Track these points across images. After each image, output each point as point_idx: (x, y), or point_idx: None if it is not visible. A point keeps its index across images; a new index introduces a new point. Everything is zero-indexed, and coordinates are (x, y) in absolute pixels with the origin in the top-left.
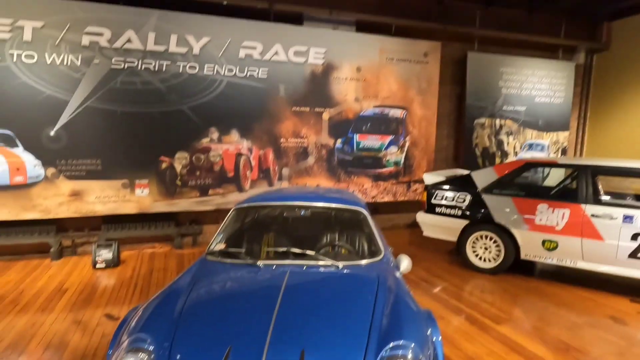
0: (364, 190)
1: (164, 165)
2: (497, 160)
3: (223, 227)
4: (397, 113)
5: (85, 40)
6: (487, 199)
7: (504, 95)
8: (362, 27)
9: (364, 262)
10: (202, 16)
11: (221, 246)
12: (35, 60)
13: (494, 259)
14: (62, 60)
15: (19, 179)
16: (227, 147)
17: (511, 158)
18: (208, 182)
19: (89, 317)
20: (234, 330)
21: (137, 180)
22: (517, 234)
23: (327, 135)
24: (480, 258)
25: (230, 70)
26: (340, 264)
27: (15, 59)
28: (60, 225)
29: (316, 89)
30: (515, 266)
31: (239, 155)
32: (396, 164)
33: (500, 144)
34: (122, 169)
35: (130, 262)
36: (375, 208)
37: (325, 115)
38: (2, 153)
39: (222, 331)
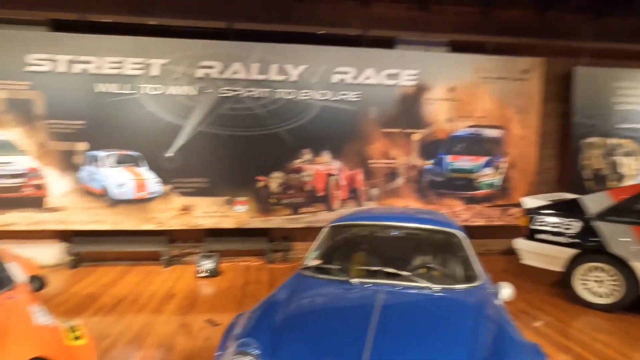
0: (455, 212)
1: (260, 184)
2: (611, 183)
3: (317, 243)
4: (492, 133)
5: (200, 72)
6: (601, 226)
7: (619, 111)
8: (456, 47)
9: (460, 286)
10: (300, 46)
11: (315, 262)
12: (159, 92)
13: (610, 295)
14: (181, 91)
15: (141, 194)
16: (319, 167)
17: (629, 181)
18: (299, 201)
19: (193, 321)
20: (331, 345)
21: (237, 197)
22: (638, 267)
23: (417, 156)
24: (592, 292)
25: (323, 94)
26: (436, 287)
27: (144, 92)
28: (170, 236)
29: (407, 110)
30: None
31: (329, 175)
32: (491, 186)
33: (614, 165)
34: (225, 187)
35: (228, 273)
36: (467, 232)
37: (416, 136)
38: (131, 171)
39: (319, 344)
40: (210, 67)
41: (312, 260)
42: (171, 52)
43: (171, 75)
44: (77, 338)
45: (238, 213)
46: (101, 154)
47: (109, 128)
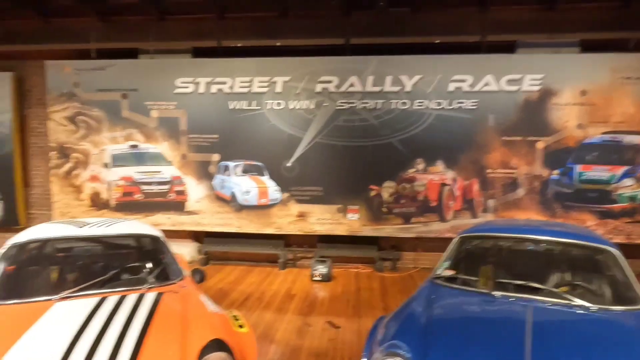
0: (586, 228)
1: (372, 193)
2: None
3: (448, 254)
4: (635, 140)
5: (319, 87)
6: None
7: None
8: (588, 47)
9: (620, 308)
10: (415, 56)
11: (448, 272)
12: (282, 107)
13: None
14: (301, 105)
15: (263, 201)
16: (432, 177)
17: None
18: (411, 211)
19: (315, 322)
20: (484, 355)
21: (349, 205)
22: None
23: (540, 166)
24: None
25: (438, 103)
26: (593, 307)
27: (269, 107)
28: (286, 241)
29: (530, 117)
30: None
31: (443, 185)
32: (632, 199)
33: None
34: (338, 195)
35: (340, 279)
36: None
37: (540, 145)
38: (255, 180)
39: (473, 355)
40: (328, 81)
41: (444, 270)
42: (293, 70)
43: (293, 91)
44: (240, 326)
45: (350, 221)
46: (231, 164)
47: (238, 141)
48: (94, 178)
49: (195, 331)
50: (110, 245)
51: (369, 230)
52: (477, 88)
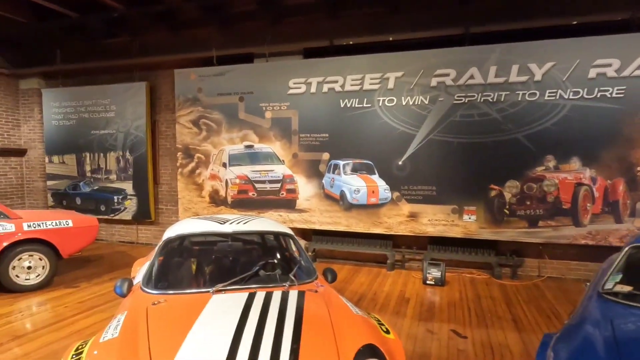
0: None
1: (493, 194)
2: None
3: (617, 266)
4: None
5: (434, 81)
6: None
7: None
8: None
9: None
10: (547, 41)
11: (624, 287)
12: (394, 103)
13: None
14: (414, 101)
15: (372, 200)
16: (565, 176)
17: None
18: (539, 213)
19: (438, 329)
20: None
21: (465, 206)
22: None
23: None
24: None
25: (575, 93)
26: None
27: (380, 104)
28: (394, 242)
29: None
30: None
31: (578, 185)
32: None
33: None
34: (453, 195)
35: (454, 284)
36: None
37: None
38: (364, 179)
39: None
40: (444, 75)
41: (615, 284)
42: (406, 65)
43: (406, 86)
44: (386, 332)
45: (466, 222)
46: (341, 162)
47: (348, 139)
48: (214, 177)
49: (347, 334)
50: (249, 242)
51: (487, 234)
52: (625, 73)
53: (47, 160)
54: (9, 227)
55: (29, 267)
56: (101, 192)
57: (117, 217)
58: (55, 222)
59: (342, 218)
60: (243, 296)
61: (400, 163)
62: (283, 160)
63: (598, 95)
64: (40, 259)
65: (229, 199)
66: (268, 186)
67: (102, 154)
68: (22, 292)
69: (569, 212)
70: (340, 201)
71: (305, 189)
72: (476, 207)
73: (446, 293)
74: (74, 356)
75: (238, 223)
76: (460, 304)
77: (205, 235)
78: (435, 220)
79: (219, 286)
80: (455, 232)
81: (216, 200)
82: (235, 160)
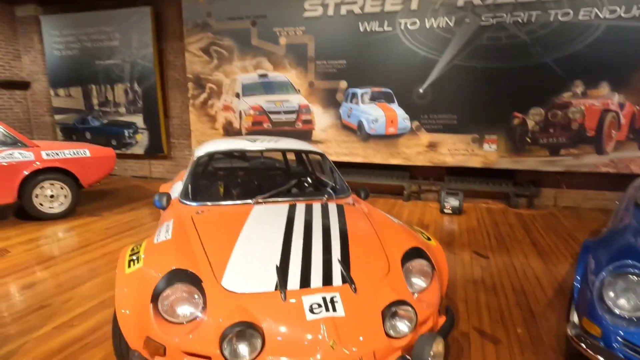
0: None
1: (516, 122)
2: None
3: None
4: None
5: (460, 1)
6: None
7: None
8: None
9: None
10: None
11: None
12: (417, 26)
13: None
14: (438, 23)
15: (391, 130)
16: (592, 102)
17: None
18: (561, 141)
19: (459, 251)
20: None
21: (486, 135)
22: None
23: None
24: None
25: (612, 11)
26: None
27: (402, 27)
28: (411, 173)
29: None
30: None
31: (605, 111)
32: None
33: None
34: (474, 124)
35: (471, 212)
36: None
37: None
38: (383, 108)
39: None
40: None
41: None
42: None
43: (430, 7)
44: (428, 239)
45: (486, 152)
46: (359, 91)
47: (367, 66)
48: (227, 108)
49: (392, 240)
50: (281, 159)
51: (507, 163)
52: None
53: (52, 93)
54: (27, 155)
55: (52, 196)
56: (111, 126)
57: (129, 152)
58: (73, 152)
59: (359, 149)
60: (284, 207)
61: (421, 91)
62: (299, 90)
63: (637, 14)
64: (62, 188)
65: (243, 131)
66: (283, 117)
67: (109, 86)
68: (48, 220)
69: (592, 139)
70: (357, 132)
71: (321, 119)
72: (497, 136)
73: (464, 220)
74: (131, 256)
75: (269, 141)
76: (479, 230)
77: (238, 153)
78: (454, 150)
79: (259, 198)
80: (475, 162)
81: (230, 132)
82: (248, 90)
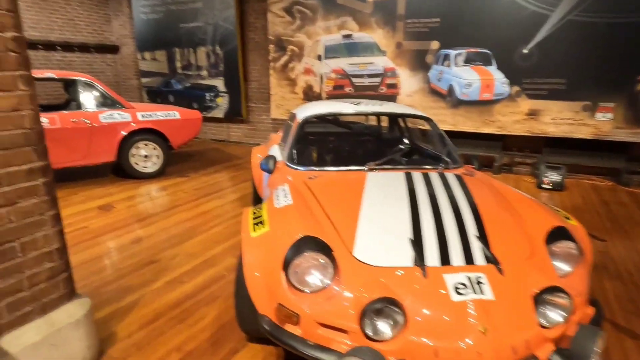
0: None
1: (639, 87)
2: None
3: None
4: None
5: None
6: None
7: None
8: None
9: None
10: None
11: None
12: None
13: None
14: None
15: (486, 95)
16: None
17: None
18: None
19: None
20: None
21: (600, 102)
22: None
23: None
24: None
25: None
26: None
27: None
28: (504, 143)
29: None
30: None
31: None
32: None
33: None
34: (587, 89)
35: (573, 189)
36: None
37: None
38: (478, 71)
39: None
40: None
41: None
42: None
43: None
44: (567, 218)
45: (598, 122)
46: (452, 52)
47: (463, 24)
48: (307, 71)
49: (530, 217)
50: (386, 124)
51: (623, 134)
52: None
53: (139, 57)
54: (125, 116)
55: (146, 156)
56: (193, 90)
57: (209, 115)
58: (165, 114)
59: (447, 116)
60: (399, 175)
61: (525, 51)
62: (385, 51)
63: None
64: (154, 149)
65: (324, 95)
66: (367, 81)
67: (192, 49)
68: (142, 179)
69: None
70: (447, 97)
71: (408, 83)
72: (615, 103)
73: (567, 197)
74: (255, 219)
75: (373, 105)
76: (587, 209)
77: (341, 116)
78: (559, 119)
79: (372, 164)
80: (583, 133)
81: (310, 96)
82: (331, 52)
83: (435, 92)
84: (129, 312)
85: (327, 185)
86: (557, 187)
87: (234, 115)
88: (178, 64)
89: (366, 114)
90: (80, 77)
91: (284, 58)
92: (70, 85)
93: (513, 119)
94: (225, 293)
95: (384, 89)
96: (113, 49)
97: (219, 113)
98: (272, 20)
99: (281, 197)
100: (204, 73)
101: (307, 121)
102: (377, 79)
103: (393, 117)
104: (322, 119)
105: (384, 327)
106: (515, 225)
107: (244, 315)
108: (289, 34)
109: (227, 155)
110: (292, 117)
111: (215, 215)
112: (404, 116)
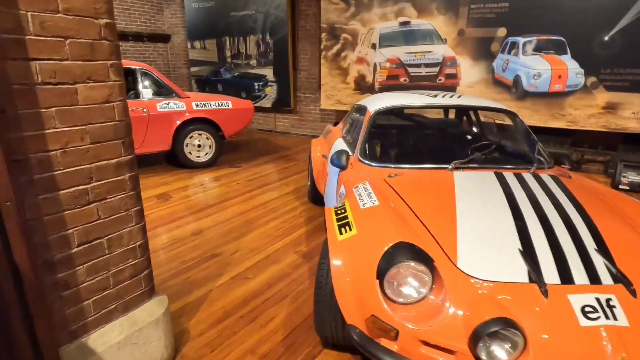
0: None
1: None
2: None
3: None
4: None
5: None
6: None
7: None
8: None
9: None
10: None
11: None
12: None
13: None
14: None
15: (557, 87)
16: None
17: None
18: None
19: None
20: None
21: None
22: None
23: None
24: None
25: None
26: None
27: None
28: (573, 139)
29: None
30: None
31: None
32: None
33: None
34: None
35: None
36: None
37: None
38: (550, 60)
39: None
40: None
41: None
42: None
43: None
44: None
45: None
46: (520, 39)
47: (534, 8)
48: (361, 60)
49: None
50: (462, 118)
51: None
52: None
53: (189, 45)
54: (181, 105)
55: (199, 146)
56: (242, 79)
57: (257, 105)
58: (218, 103)
59: (511, 108)
60: (490, 175)
61: (606, 38)
62: (445, 39)
63: None
64: (207, 138)
65: (376, 85)
66: (423, 70)
67: (241, 38)
68: (195, 168)
69: None
70: (512, 88)
71: (469, 73)
72: None
73: None
74: (339, 221)
75: (451, 97)
76: None
77: (416, 109)
78: None
79: (457, 162)
80: None
81: (362, 86)
82: (386, 40)
83: (499, 83)
84: (197, 308)
85: (412, 185)
86: (636, 188)
87: (282, 105)
88: (227, 53)
89: (446, 107)
90: (139, 67)
91: (336, 47)
92: (129, 75)
93: (587, 112)
94: (292, 292)
95: (442, 79)
96: (165, 38)
97: (266, 103)
98: (326, 7)
99: (364, 196)
100: (253, 62)
101: (379, 113)
102: (435, 69)
103: (467, 111)
104: (392, 112)
105: (500, 351)
106: (638, 237)
107: (324, 321)
108: (342, 22)
109: (275, 146)
110: (360, 109)
111: (270, 208)
112: (486, 109)
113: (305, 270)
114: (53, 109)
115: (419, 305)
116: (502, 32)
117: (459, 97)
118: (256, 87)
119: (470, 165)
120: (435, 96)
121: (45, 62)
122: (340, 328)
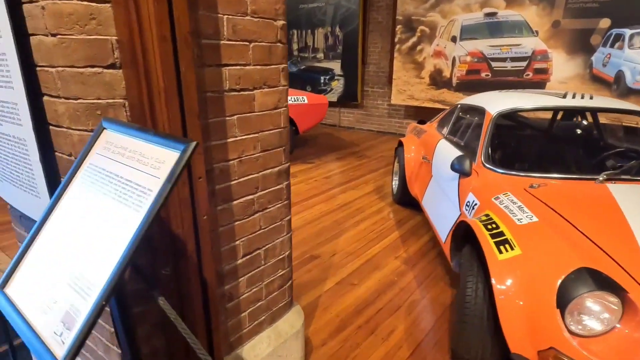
0: None
1: None
2: None
3: None
4: None
5: None
6: None
7: None
8: None
9: None
10: None
11: None
12: None
13: None
14: None
15: None
16: None
17: None
18: None
19: None
20: None
21: None
22: None
23: None
24: None
25: None
26: None
27: None
28: None
29: None
30: None
31: None
32: None
33: None
34: None
35: None
36: None
37: None
38: None
39: None
40: None
41: None
42: None
43: None
44: None
45: None
46: (627, 31)
47: None
48: (438, 54)
49: None
50: (597, 123)
51: None
52: None
53: None
54: None
55: None
56: (308, 72)
57: None
58: (294, 98)
59: None
60: None
61: None
62: (536, 31)
63: None
64: None
65: (454, 80)
66: (509, 65)
67: (309, 31)
68: None
69: None
70: (613, 84)
71: (562, 68)
72: None
73: None
74: (494, 237)
75: (582, 97)
76: None
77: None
78: None
79: (609, 173)
80: None
81: (438, 81)
82: (468, 32)
83: (597, 79)
84: (312, 315)
85: (565, 199)
86: None
87: (349, 99)
88: (295, 46)
89: (582, 110)
90: None
91: (412, 40)
92: None
93: None
94: (404, 303)
95: (530, 75)
96: None
97: (332, 97)
98: None
99: (515, 210)
100: (320, 55)
101: (502, 116)
102: (523, 63)
103: (584, 112)
104: (515, 114)
105: None
106: None
107: (470, 344)
108: (420, 13)
109: (342, 142)
110: (473, 110)
111: (356, 209)
112: (628, 113)
113: (411, 278)
114: (235, 117)
115: (605, 338)
116: (605, 22)
117: (590, 97)
118: (322, 80)
119: (624, 177)
120: (564, 96)
121: (233, 67)
122: (490, 352)
